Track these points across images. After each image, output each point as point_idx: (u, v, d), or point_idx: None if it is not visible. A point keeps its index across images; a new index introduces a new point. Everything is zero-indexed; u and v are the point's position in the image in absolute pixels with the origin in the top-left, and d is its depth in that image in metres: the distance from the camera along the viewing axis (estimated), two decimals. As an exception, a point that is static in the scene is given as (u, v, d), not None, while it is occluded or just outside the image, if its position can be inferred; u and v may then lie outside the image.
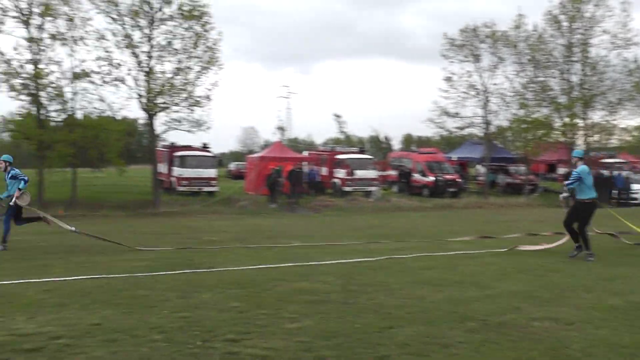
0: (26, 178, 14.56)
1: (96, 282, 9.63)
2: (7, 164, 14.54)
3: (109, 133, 30.98)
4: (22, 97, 29.36)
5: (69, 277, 10.19)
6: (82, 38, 29.87)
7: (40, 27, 29.29)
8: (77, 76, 30.14)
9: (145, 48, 30.32)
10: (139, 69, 30.26)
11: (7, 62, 28.77)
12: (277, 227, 22.19)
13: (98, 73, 30.02)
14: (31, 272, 10.89)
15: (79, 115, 31.63)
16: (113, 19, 29.88)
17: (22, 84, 28.99)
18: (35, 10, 29.02)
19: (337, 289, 9.14)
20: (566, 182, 13.30)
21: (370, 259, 12.62)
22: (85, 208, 28.50)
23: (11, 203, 14.35)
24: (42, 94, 29.57)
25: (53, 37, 29.51)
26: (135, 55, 30.15)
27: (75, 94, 30.76)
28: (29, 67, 29.13)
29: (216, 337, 6.37)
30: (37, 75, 28.97)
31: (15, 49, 29.02)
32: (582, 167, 12.92)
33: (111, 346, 6.14)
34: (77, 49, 30.10)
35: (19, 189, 14.35)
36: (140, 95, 30.37)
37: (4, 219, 14.62)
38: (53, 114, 30.93)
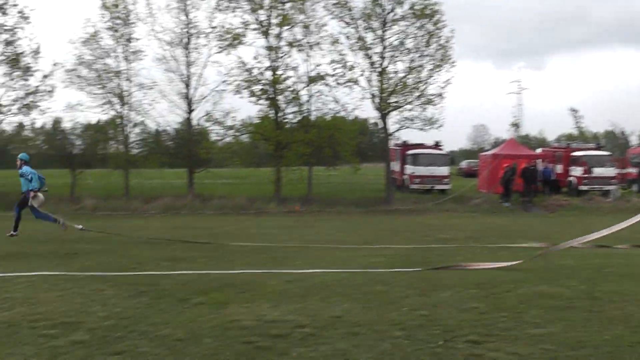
0: (30, 177, 15.32)
1: (335, 276, 9.88)
2: (22, 162, 15.53)
3: (343, 133, 31.91)
4: (261, 101, 31.28)
5: (309, 269, 10.60)
6: (317, 43, 31.17)
7: (278, 36, 30.97)
8: (312, 80, 31.47)
9: (378, 49, 30.90)
10: (372, 70, 30.89)
11: (249, 70, 30.81)
12: (512, 226, 21.56)
13: (332, 76, 31.15)
14: (273, 263, 11.50)
15: (314, 116, 32.98)
16: (347, 23, 30.81)
17: (262, 90, 30.88)
18: (274, 21, 30.75)
19: (581, 295, 8.58)
20: None
21: (615, 263, 11.79)
22: (321, 204, 29.58)
23: (29, 205, 15.38)
24: (279, 98, 31.24)
25: (290, 44, 31.10)
26: (369, 56, 30.82)
27: (310, 96, 32.17)
28: (268, 74, 30.99)
29: (457, 338, 6.24)
30: (275, 81, 30.64)
31: (255, 58, 31.05)
32: None
33: (353, 339, 6.24)
34: (312, 54, 31.52)
35: (31, 190, 15.28)
36: (373, 95, 30.98)
37: (34, 215, 15.73)
38: (289, 116, 32.60)
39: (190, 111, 32.88)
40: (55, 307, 7.62)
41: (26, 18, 30.81)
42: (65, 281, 9.42)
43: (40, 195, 15.73)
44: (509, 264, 10.73)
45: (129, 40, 32.28)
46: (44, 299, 8.14)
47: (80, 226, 16.08)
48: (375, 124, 40.88)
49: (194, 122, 33.57)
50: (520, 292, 8.68)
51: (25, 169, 15.50)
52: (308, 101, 32.31)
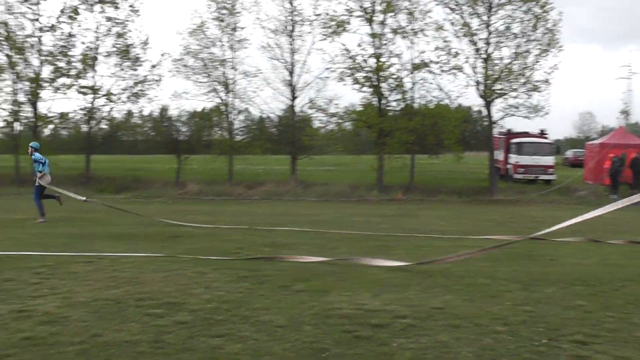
0: (44, 161, 16.43)
1: (437, 267, 9.76)
2: (33, 149, 16.62)
3: (447, 120, 31.59)
4: (365, 88, 31.35)
5: (410, 260, 10.50)
6: (421, 30, 30.99)
7: (382, 23, 30.94)
8: (416, 67, 31.30)
9: (483, 35, 30.42)
10: (477, 56, 30.43)
11: (352, 57, 30.94)
12: (618, 220, 20.68)
13: (436, 63, 30.94)
14: (374, 252, 11.45)
15: (417, 104, 32.80)
16: (451, 9, 30.45)
17: (365, 77, 30.96)
18: (378, 7, 30.73)
19: (696, 295, 8.16)
20: None
21: None
22: (423, 193, 29.41)
23: (35, 184, 16.40)
24: (383, 85, 31.21)
25: (394, 31, 31.04)
26: (474, 42, 30.35)
27: (414, 84, 32.01)
28: (372, 61, 31.05)
29: (562, 337, 6.04)
30: (379, 68, 30.64)
31: (359, 45, 31.16)
32: None
33: (454, 332, 6.16)
34: (416, 40, 31.36)
35: (39, 172, 16.30)
36: (477, 83, 30.50)
37: (34, 197, 16.59)
38: (393, 104, 32.56)
39: (293, 98, 33.35)
40: (160, 288, 7.90)
41: (136, 11, 32.26)
42: (170, 263, 9.75)
43: (47, 176, 16.78)
44: (321, 259, 10.28)
45: (234, 29, 33.08)
46: (149, 279, 8.45)
47: (84, 198, 17.52)
48: (479, 111, 40.34)
49: (297, 109, 34.11)
50: (628, 291, 8.33)
51: (37, 155, 16.66)
52: (412, 88, 32.23)
